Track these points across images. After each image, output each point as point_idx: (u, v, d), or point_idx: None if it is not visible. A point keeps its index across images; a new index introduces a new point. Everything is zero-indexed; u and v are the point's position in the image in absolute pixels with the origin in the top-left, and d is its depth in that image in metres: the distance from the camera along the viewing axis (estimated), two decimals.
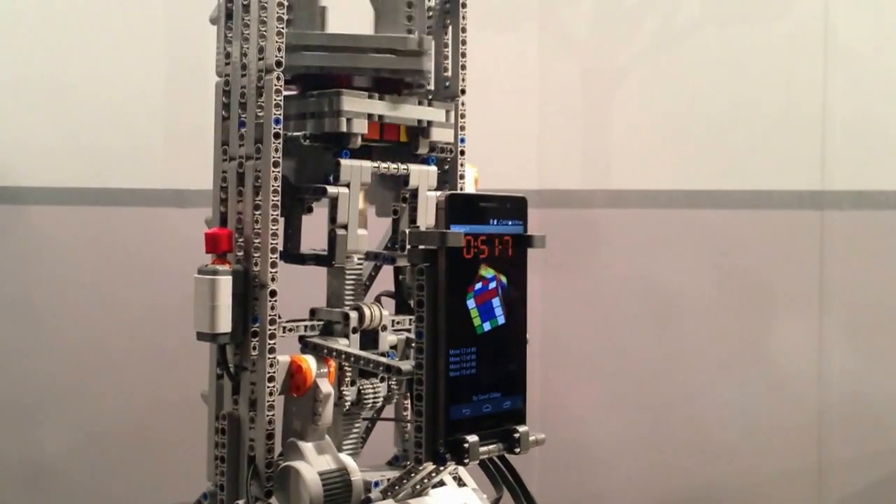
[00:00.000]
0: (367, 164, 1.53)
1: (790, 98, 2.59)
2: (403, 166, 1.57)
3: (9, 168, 2.66)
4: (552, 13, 2.71)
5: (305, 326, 1.53)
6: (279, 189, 1.44)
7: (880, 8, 2.58)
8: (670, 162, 2.66)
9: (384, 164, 1.55)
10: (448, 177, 1.66)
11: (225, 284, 1.42)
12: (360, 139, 1.50)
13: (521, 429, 1.34)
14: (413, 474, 1.42)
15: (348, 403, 1.55)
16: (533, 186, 2.65)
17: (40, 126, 2.66)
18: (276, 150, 1.43)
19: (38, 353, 2.66)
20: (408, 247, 1.28)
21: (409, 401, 1.61)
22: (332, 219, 1.51)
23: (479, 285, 1.29)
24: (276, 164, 1.43)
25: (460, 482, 1.59)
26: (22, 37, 2.65)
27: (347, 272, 1.57)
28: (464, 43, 1.65)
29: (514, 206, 1.34)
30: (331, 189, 1.49)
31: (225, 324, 1.42)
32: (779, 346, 2.62)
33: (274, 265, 1.44)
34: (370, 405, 1.57)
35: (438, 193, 1.25)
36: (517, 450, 1.34)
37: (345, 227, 1.51)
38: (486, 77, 2.45)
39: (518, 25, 2.72)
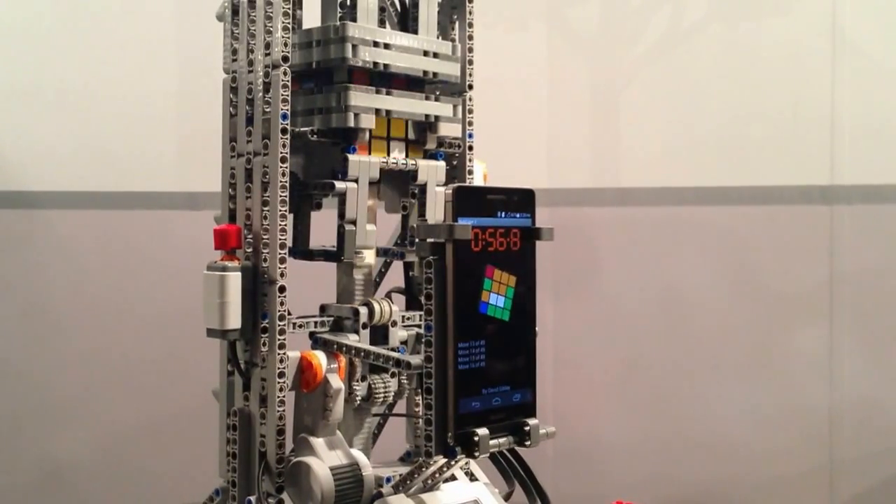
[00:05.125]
0: (375, 159, 1.53)
1: (798, 94, 2.59)
2: (412, 161, 1.58)
3: (23, 172, 2.67)
4: (560, 12, 2.71)
5: (315, 322, 1.54)
6: (287, 185, 1.44)
7: (888, 3, 2.57)
8: (679, 159, 2.65)
9: (392, 160, 1.55)
10: (456, 172, 1.66)
11: (234, 280, 1.42)
12: (367, 134, 1.51)
13: (532, 422, 1.34)
14: (424, 469, 1.43)
15: (359, 399, 1.55)
16: (542, 185, 2.64)
17: (54, 130, 2.67)
18: (284, 146, 1.44)
19: (53, 355, 2.67)
20: (416, 240, 1.28)
21: (419, 396, 1.62)
22: (341, 214, 1.51)
23: (487, 278, 1.29)
24: (283, 160, 1.44)
25: (472, 477, 1.59)
26: (35, 42, 2.67)
27: (357, 268, 1.57)
28: (471, 38, 1.66)
29: (522, 199, 1.35)
30: (339, 184, 1.49)
31: (234, 320, 1.43)
32: (789, 344, 2.61)
33: (283, 261, 1.44)
34: (381, 400, 1.57)
35: (446, 187, 1.26)
36: (528, 443, 1.34)
37: (353, 222, 1.51)
38: (496, 76, 2.45)
39: (527, 24, 2.73)
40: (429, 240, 1.25)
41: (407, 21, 1.63)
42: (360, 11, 1.53)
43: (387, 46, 1.52)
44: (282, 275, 1.44)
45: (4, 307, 2.68)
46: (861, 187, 2.56)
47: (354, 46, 1.48)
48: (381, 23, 1.60)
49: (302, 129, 1.50)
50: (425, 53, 1.57)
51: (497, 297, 1.30)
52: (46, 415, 2.68)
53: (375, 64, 1.50)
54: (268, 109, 1.45)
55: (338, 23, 1.51)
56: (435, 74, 1.58)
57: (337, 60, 1.48)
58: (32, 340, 2.68)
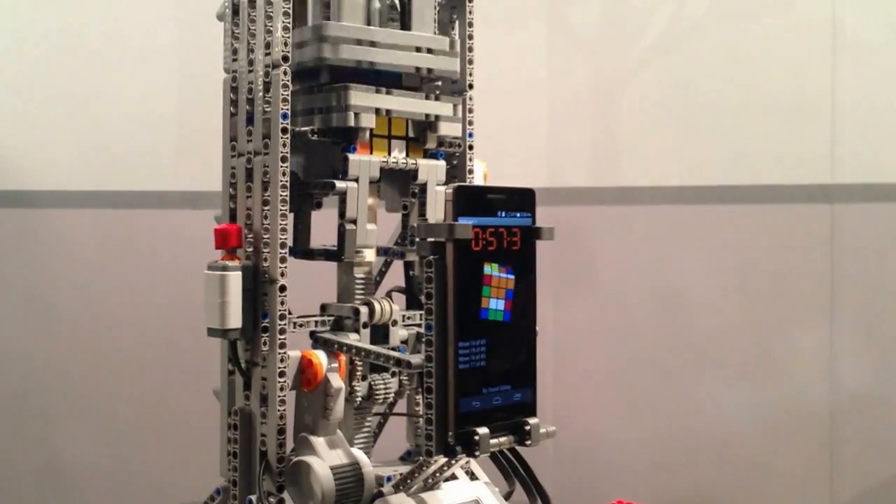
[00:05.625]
0: (376, 158, 1.53)
1: (799, 92, 2.59)
2: (412, 161, 1.58)
3: (25, 172, 2.68)
4: (561, 11, 2.71)
5: (316, 322, 1.54)
6: (287, 184, 1.44)
7: (888, 1, 2.57)
8: (679, 158, 2.65)
9: (392, 159, 1.55)
10: (457, 171, 1.66)
11: (234, 280, 1.42)
12: (368, 133, 1.51)
13: (532, 421, 1.34)
14: (425, 468, 1.43)
15: (359, 398, 1.55)
16: (543, 184, 2.64)
17: (55, 130, 2.67)
18: (284, 146, 1.44)
19: (54, 354, 2.68)
20: (416, 239, 1.28)
21: (420, 395, 1.61)
22: (342, 214, 1.51)
23: (487, 277, 1.29)
24: (284, 160, 1.44)
25: (473, 476, 1.59)
26: (36, 43, 2.67)
27: (357, 267, 1.57)
28: (471, 38, 1.66)
29: (522, 199, 1.35)
30: (339, 184, 1.49)
31: (235, 319, 1.43)
32: (789, 343, 2.61)
33: (283, 260, 1.44)
34: (381, 400, 1.57)
35: (447, 186, 1.26)
36: (528, 442, 1.34)
37: (354, 221, 1.51)
38: (496, 76, 2.45)
39: (527, 23, 2.72)
40: (429, 239, 1.25)
41: (405, 18, 1.62)
42: (346, 10, 1.53)
43: (372, 44, 1.52)
44: (282, 274, 1.44)
45: (6, 306, 2.69)
46: (862, 186, 2.56)
47: (334, 46, 1.48)
48: (368, 20, 1.59)
49: (302, 128, 1.50)
50: (417, 49, 1.56)
51: (497, 302, 1.30)
52: (48, 413, 2.68)
53: (359, 62, 1.50)
54: (268, 109, 1.45)
55: (318, 22, 1.51)
56: (430, 71, 1.57)
57: (317, 60, 1.48)
58: (34, 339, 2.68)
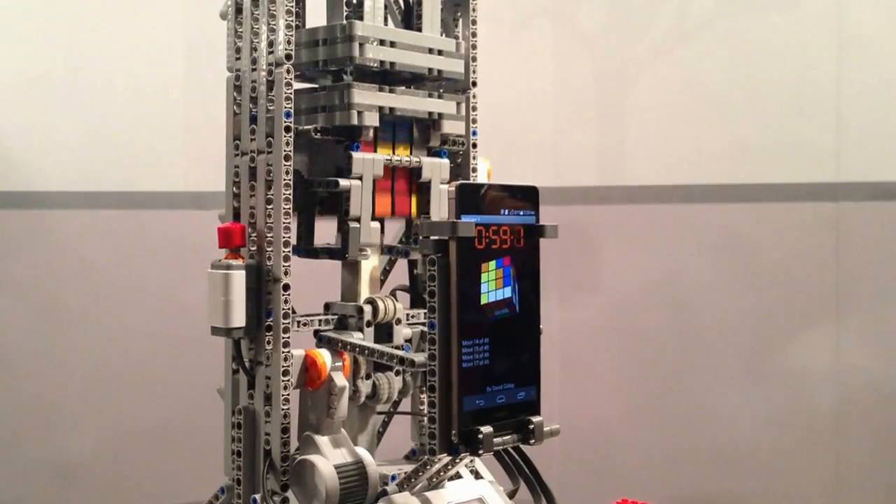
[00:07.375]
0: (380, 156, 1.53)
1: (805, 90, 2.58)
2: (416, 159, 1.58)
3: (33, 173, 2.68)
4: (566, 9, 2.71)
5: (320, 321, 1.53)
6: (291, 183, 1.44)
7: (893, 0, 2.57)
8: (685, 156, 2.65)
9: (396, 157, 1.55)
10: (460, 169, 1.66)
11: (238, 279, 1.42)
12: (371, 132, 1.50)
13: (536, 419, 1.34)
14: (429, 467, 1.43)
15: (363, 397, 1.55)
16: (549, 183, 2.64)
17: (63, 131, 2.68)
18: (288, 144, 1.44)
19: (60, 355, 2.68)
20: (420, 238, 1.28)
21: (424, 393, 1.61)
22: (345, 212, 1.51)
23: (490, 276, 1.29)
24: (287, 158, 1.43)
25: (477, 475, 1.59)
26: (44, 44, 2.67)
27: (361, 266, 1.57)
28: (474, 35, 1.65)
29: (526, 197, 1.35)
30: (343, 182, 1.49)
31: (239, 318, 1.42)
32: (795, 342, 2.60)
33: (287, 259, 1.44)
34: (385, 398, 1.57)
35: (450, 184, 1.26)
36: (532, 441, 1.34)
37: (358, 220, 1.51)
38: (503, 75, 2.45)
39: (532, 23, 2.72)
40: (432, 237, 1.25)
41: (411, 19, 1.62)
42: (367, 10, 1.53)
43: (392, 44, 1.52)
44: (286, 273, 1.44)
45: (14, 307, 2.69)
46: (868, 184, 2.56)
47: (361, 45, 1.48)
48: (386, 21, 1.60)
49: (306, 126, 1.50)
50: (430, 51, 1.56)
51: (500, 311, 1.30)
52: (54, 413, 2.69)
53: (382, 62, 1.50)
54: (271, 107, 1.45)
55: (344, 21, 1.51)
56: (440, 72, 1.58)
57: (344, 59, 1.48)
58: (41, 339, 2.69)
